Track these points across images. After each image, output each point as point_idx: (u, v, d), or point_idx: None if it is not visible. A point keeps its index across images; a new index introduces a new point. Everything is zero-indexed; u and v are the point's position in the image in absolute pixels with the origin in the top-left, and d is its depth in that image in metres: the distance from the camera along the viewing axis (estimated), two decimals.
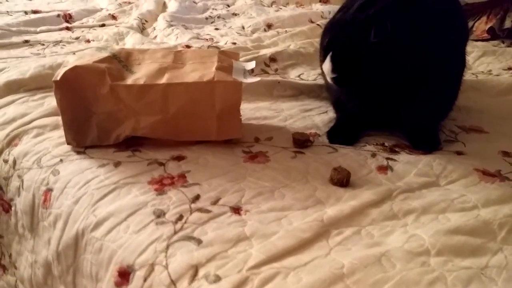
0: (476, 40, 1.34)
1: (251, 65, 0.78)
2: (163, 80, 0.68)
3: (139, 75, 0.68)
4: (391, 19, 0.64)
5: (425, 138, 0.75)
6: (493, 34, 1.33)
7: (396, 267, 0.47)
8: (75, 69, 0.66)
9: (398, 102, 0.72)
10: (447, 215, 0.56)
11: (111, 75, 0.67)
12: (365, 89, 0.69)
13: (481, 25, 1.38)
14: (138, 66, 0.71)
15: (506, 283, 0.46)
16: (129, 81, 0.67)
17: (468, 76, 1.07)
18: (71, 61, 0.70)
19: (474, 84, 1.00)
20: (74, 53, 1.07)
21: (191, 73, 0.69)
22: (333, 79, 0.67)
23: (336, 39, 0.67)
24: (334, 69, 0.66)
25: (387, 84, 0.68)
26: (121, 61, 0.71)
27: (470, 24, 1.39)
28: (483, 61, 1.18)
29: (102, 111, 0.68)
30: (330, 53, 0.66)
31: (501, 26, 1.33)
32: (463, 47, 0.80)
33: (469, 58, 1.20)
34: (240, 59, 1.05)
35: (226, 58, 0.76)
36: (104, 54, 0.72)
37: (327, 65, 0.66)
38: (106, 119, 0.68)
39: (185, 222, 0.54)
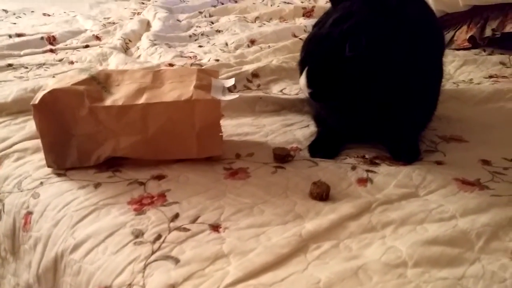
0: (458, 49, 1.36)
1: (230, 82, 0.79)
2: (142, 100, 0.68)
3: (117, 96, 0.69)
4: (366, 33, 0.65)
5: (405, 149, 0.76)
6: (474, 43, 1.35)
7: (373, 280, 0.47)
8: (53, 92, 0.67)
9: (377, 116, 0.72)
10: (425, 226, 0.57)
11: (90, 97, 0.68)
12: (342, 103, 0.69)
13: (461, 34, 1.40)
14: (117, 87, 0.72)
15: None
16: (108, 102, 0.68)
17: (449, 85, 1.08)
18: (50, 84, 0.70)
19: (454, 93, 1.01)
20: (54, 76, 1.07)
21: (170, 92, 0.70)
22: (309, 93, 0.67)
23: (311, 54, 0.68)
24: (309, 84, 0.66)
25: (365, 98, 0.69)
26: (100, 83, 0.72)
27: (451, 33, 1.42)
28: (464, 70, 1.20)
29: (82, 133, 0.68)
30: (306, 68, 0.67)
31: (482, 34, 1.35)
32: (440, 58, 0.82)
33: (450, 67, 1.22)
34: (223, 76, 1.06)
35: (205, 76, 0.77)
36: (83, 76, 0.72)
37: (302, 80, 0.67)
38: (86, 141, 0.68)
39: (163, 242, 0.54)
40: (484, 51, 1.32)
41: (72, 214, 0.60)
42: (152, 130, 0.68)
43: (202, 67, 1.00)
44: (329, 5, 0.78)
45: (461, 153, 0.76)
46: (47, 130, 0.68)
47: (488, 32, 1.33)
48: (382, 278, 0.48)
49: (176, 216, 0.59)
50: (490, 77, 1.14)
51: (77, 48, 1.37)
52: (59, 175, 0.69)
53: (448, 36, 1.41)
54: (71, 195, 0.64)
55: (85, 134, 0.68)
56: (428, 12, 0.83)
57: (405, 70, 0.68)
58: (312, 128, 0.87)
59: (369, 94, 0.68)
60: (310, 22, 1.67)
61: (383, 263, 0.50)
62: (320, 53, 0.67)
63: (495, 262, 0.50)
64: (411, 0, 0.73)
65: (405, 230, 0.56)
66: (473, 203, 0.61)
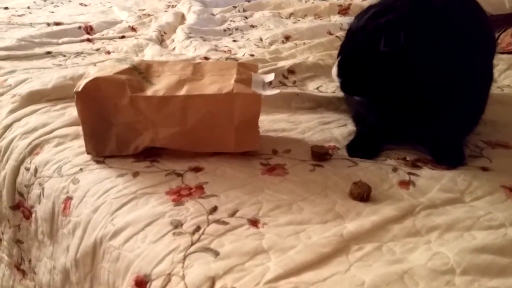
0: (502, 53, 1.31)
1: (270, 77, 0.78)
2: (182, 92, 0.68)
3: (158, 87, 0.69)
4: (405, 30, 0.63)
5: (449, 153, 0.73)
6: None
7: (420, 286, 0.46)
8: (96, 81, 0.67)
9: (420, 117, 0.70)
10: (472, 233, 0.54)
11: (131, 86, 0.68)
12: (373, 99, 0.68)
13: (506, 37, 1.35)
14: (157, 78, 0.72)
15: None
16: (149, 92, 0.68)
17: (493, 89, 1.04)
18: (92, 73, 0.71)
19: (500, 98, 0.98)
20: (95, 65, 1.08)
21: (210, 85, 0.69)
22: (339, 84, 0.67)
23: (345, 45, 0.67)
24: (339, 74, 0.66)
25: (402, 97, 0.67)
26: (141, 73, 0.72)
27: (496, 36, 1.37)
28: (509, 75, 1.16)
29: (122, 122, 0.68)
30: (338, 58, 0.65)
31: None
32: (491, 60, 0.79)
33: (495, 71, 1.17)
34: (259, 71, 1.05)
35: (245, 71, 0.76)
36: (125, 65, 0.72)
37: (334, 69, 0.66)
38: (126, 130, 0.69)
39: (202, 234, 0.53)
40: None
41: (111, 201, 0.60)
42: (191, 122, 0.68)
43: (245, 62, 0.99)
44: (365, 3, 0.76)
45: (508, 159, 0.73)
46: (88, 118, 0.69)
47: None
48: (429, 285, 0.46)
49: (215, 209, 0.58)
50: None
51: (114, 39, 1.39)
52: (98, 162, 0.69)
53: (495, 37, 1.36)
54: (110, 182, 0.64)
55: (125, 123, 0.68)
56: (479, 13, 0.79)
57: (445, 72, 0.65)
58: (350, 127, 0.85)
59: (406, 93, 0.66)
60: (345, 20, 1.64)
61: (429, 269, 0.48)
62: (353, 45, 0.66)
63: None
64: (460, 0, 0.70)
65: (452, 236, 0.54)
66: None
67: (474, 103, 0.74)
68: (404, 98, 0.67)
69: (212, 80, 0.71)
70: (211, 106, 0.67)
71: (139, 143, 0.69)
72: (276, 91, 0.74)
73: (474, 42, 0.70)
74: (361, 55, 0.65)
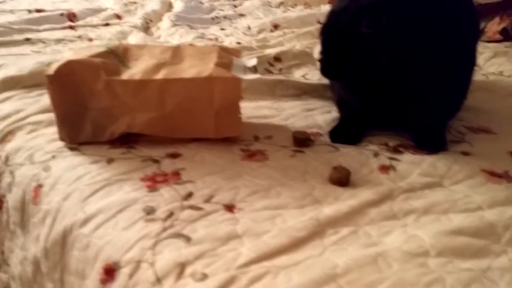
0: (488, 42, 1.31)
1: (252, 62, 0.76)
2: (160, 75, 0.66)
3: (135, 71, 0.67)
4: (389, 11, 0.62)
5: (430, 138, 0.72)
6: (506, 35, 1.30)
7: (393, 268, 0.45)
8: (69, 64, 0.65)
9: (402, 102, 0.69)
10: (449, 216, 0.54)
11: (107, 70, 0.66)
12: (357, 84, 0.67)
13: (493, 26, 1.34)
14: (135, 62, 0.70)
15: (509, 286, 0.43)
16: (125, 76, 0.66)
17: (478, 76, 1.03)
18: (67, 56, 0.69)
19: (484, 84, 0.97)
20: (71, 49, 1.06)
21: (189, 69, 0.68)
22: (321, 68, 0.65)
23: (327, 26, 0.65)
24: (321, 57, 0.64)
25: (383, 80, 0.65)
26: (118, 56, 0.70)
27: (482, 25, 1.36)
28: (495, 62, 1.15)
29: (97, 107, 0.67)
30: (321, 38, 0.64)
31: None
32: (474, 45, 0.78)
33: (480, 59, 1.17)
34: (251, 56, 1.04)
35: (226, 55, 0.74)
36: (101, 49, 0.71)
37: (316, 49, 0.65)
38: (101, 115, 0.67)
39: (175, 220, 0.52)
40: None
41: (83, 189, 0.59)
42: (169, 107, 0.66)
43: (226, 46, 0.97)
44: None
45: (489, 144, 0.73)
46: (61, 103, 0.67)
47: None
48: (402, 267, 0.45)
49: (190, 194, 0.57)
50: None
51: (97, 26, 1.37)
52: (71, 149, 0.68)
53: (480, 24, 1.35)
54: (83, 169, 0.62)
55: (100, 108, 0.67)
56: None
57: (427, 55, 0.64)
58: (334, 114, 0.84)
59: (386, 76, 0.65)
60: None
61: (404, 252, 0.47)
62: (335, 27, 0.65)
63: None
64: None
65: (428, 219, 0.53)
66: (501, 195, 0.57)
67: (456, 87, 0.73)
68: (385, 82, 0.66)
69: (191, 64, 0.70)
70: (189, 90, 0.66)
71: (115, 129, 0.67)
72: (256, 76, 0.72)
73: (458, 26, 0.69)
74: (343, 37, 0.63)
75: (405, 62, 0.64)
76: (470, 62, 0.76)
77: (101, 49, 0.70)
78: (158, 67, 0.68)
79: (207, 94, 0.65)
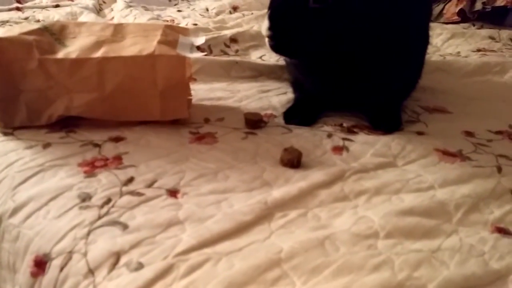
0: (446, 23, 1.31)
1: (200, 40, 0.72)
2: (99, 54, 0.62)
3: (72, 49, 0.62)
4: None
5: (385, 118, 0.71)
6: (463, 17, 1.31)
7: (340, 251, 0.43)
8: None
9: (354, 81, 0.67)
10: (401, 196, 0.52)
11: (40, 48, 0.61)
12: (308, 62, 0.64)
13: (451, 8, 1.35)
14: (72, 40, 0.65)
15: (459, 266, 0.42)
16: (60, 55, 0.61)
17: (435, 57, 1.04)
18: None
19: (440, 65, 0.97)
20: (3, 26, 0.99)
21: (131, 47, 0.63)
22: (270, 45, 0.63)
23: (275, 1, 0.62)
24: (270, 30, 0.62)
25: (334, 57, 0.63)
26: (53, 34, 0.65)
27: (440, 6, 1.37)
28: (452, 43, 1.16)
29: (31, 89, 0.62)
30: (268, 12, 0.62)
31: (472, 8, 1.30)
32: (426, 22, 0.76)
33: (438, 40, 1.17)
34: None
35: (172, 33, 0.70)
36: (35, 26, 0.65)
37: (264, 24, 0.62)
38: (36, 98, 0.62)
39: (112, 206, 0.48)
40: (474, 25, 1.28)
41: (14, 175, 0.54)
42: (109, 87, 0.62)
43: (172, 24, 0.92)
44: None
45: (444, 124, 0.72)
46: None
47: (478, 6, 1.29)
48: (350, 250, 0.43)
49: (131, 180, 0.53)
50: (478, 50, 1.10)
51: (47, 7, 1.29)
52: (5, 134, 0.62)
53: (437, 9, 1.36)
54: (15, 155, 0.58)
55: (34, 89, 0.61)
56: None
57: (378, 30, 0.62)
58: (290, 95, 0.82)
59: (336, 53, 0.62)
60: None
61: (352, 234, 0.45)
62: (282, 2, 0.62)
63: (474, 235, 0.46)
64: None
65: (379, 200, 0.51)
66: (453, 174, 0.57)
67: (409, 66, 0.72)
68: (337, 61, 0.64)
69: (133, 41, 0.65)
70: (130, 69, 0.62)
71: (52, 112, 0.63)
72: (202, 54, 0.69)
73: (409, 2, 0.67)
74: (291, 12, 0.61)
75: (354, 38, 0.62)
76: (422, 39, 0.75)
77: (35, 26, 0.65)
78: (97, 45, 0.63)
79: (149, 73, 0.61)
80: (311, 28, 0.60)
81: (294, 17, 0.60)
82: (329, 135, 0.67)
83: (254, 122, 0.69)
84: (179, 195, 0.51)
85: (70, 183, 0.52)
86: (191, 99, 0.74)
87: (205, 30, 1.11)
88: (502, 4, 1.22)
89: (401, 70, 0.69)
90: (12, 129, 0.63)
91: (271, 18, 0.62)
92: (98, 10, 1.31)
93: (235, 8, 1.40)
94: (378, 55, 0.64)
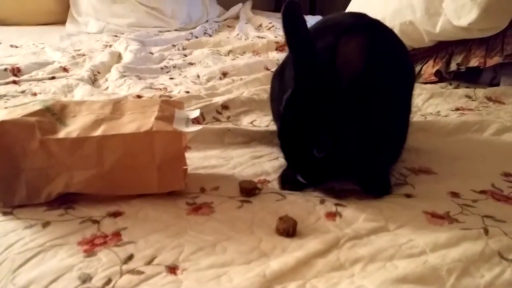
0: (425, 83, 1.39)
1: (195, 113, 0.76)
2: (98, 132, 0.64)
3: (72, 128, 0.65)
4: (328, 132, 0.64)
5: (375, 182, 0.74)
6: (440, 77, 1.38)
7: None
8: (1, 125, 0.62)
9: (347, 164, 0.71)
10: (394, 262, 0.54)
11: (42, 129, 0.64)
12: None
13: (428, 69, 1.43)
14: (73, 119, 0.68)
15: None
16: (61, 134, 0.64)
17: (417, 117, 1.09)
18: (0, 116, 0.66)
19: (423, 125, 1.02)
20: (6, 108, 1.02)
21: (129, 124, 0.66)
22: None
23: (285, 141, 0.67)
24: (303, 178, 0.68)
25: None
26: (55, 114, 0.68)
27: (418, 68, 1.45)
28: (432, 103, 1.21)
29: (32, 168, 0.63)
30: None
31: (447, 69, 1.38)
32: (411, 92, 0.82)
33: (418, 100, 1.23)
34: (191, 107, 1.04)
35: (168, 107, 0.74)
36: (36, 107, 0.68)
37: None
38: (36, 176, 0.64)
39: (113, 287, 0.49)
40: (450, 84, 1.35)
41: (14, 258, 0.54)
42: (108, 164, 0.64)
43: (168, 98, 0.96)
44: None
45: (430, 185, 0.75)
46: None
47: (453, 67, 1.37)
48: None
49: (130, 257, 0.54)
50: (457, 109, 1.15)
51: (42, 80, 1.33)
52: (4, 213, 0.63)
53: (415, 70, 1.43)
54: (15, 235, 0.58)
55: (35, 168, 0.63)
56: (401, 47, 0.83)
57: (377, 127, 0.67)
58: (282, 160, 0.84)
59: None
60: (282, 56, 1.68)
61: None
62: (293, 149, 0.67)
63: None
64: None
65: (374, 268, 0.53)
66: (443, 237, 0.58)
67: (399, 134, 0.76)
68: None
69: (131, 118, 0.69)
70: (129, 146, 0.64)
71: (52, 190, 0.64)
72: (199, 127, 0.72)
73: (399, 100, 0.74)
74: (303, 157, 0.66)
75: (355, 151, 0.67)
76: (409, 110, 0.80)
77: (37, 107, 0.68)
78: (97, 123, 0.66)
79: (147, 149, 0.64)
80: (325, 167, 0.67)
81: (311, 162, 0.66)
82: (322, 201, 0.69)
83: (249, 190, 0.71)
84: (178, 271, 0.52)
85: (71, 264, 0.53)
86: (186, 169, 0.76)
87: (198, 97, 1.16)
88: (475, 64, 1.30)
89: (393, 140, 0.73)
90: (11, 208, 0.64)
91: (288, 159, 0.68)
92: (93, 80, 1.35)
93: (224, 74, 1.47)
94: (374, 143, 0.67)
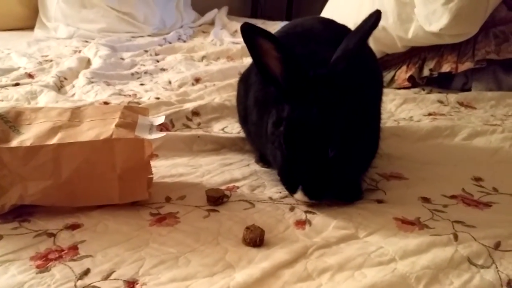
0: (398, 88, 1.39)
1: (160, 120, 0.73)
2: (54, 140, 0.61)
3: (26, 136, 0.61)
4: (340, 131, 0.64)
5: (347, 189, 0.72)
6: (413, 82, 1.39)
7: None
8: None
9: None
10: (363, 271, 0.52)
11: None
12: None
13: (401, 74, 1.44)
14: (27, 126, 0.65)
15: None
16: (14, 143, 0.60)
17: (390, 122, 1.08)
18: None
19: (395, 130, 1.01)
20: None
21: (88, 132, 0.63)
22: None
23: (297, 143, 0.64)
24: (310, 198, 0.66)
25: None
26: (8, 122, 0.64)
27: (392, 73, 1.45)
28: (405, 108, 1.22)
29: None
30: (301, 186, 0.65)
31: (420, 74, 1.39)
32: (381, 99, 0.81)
33: (391, 106, 1.23)
34: (160, 114, 1.01)
35: (131, 114, 0.71)
36: None
37: (300, 196, 0.65)
38: None
39: None
40: (423, 90, 1.36)
41: None
42: (65, 174, 0.61)
43: (132, 105, 0.92)
44: None
45: (401, 191, 0.74)
46: None
47: (426, 72, 1.38)
48: None
49: (86, 272, 0.51)
50: (429, 114, 1.16)
51: (6, 86, 1.28)
52: None
53: (389, 75, 1.44)
54: None
55: None
56: (369, 55, 0.82)
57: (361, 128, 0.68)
58: (253, 167, 0.83)
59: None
60: None
61: None
62: (308, 153, 0.64)
63: None
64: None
65: (343, 277, 0.51)
66: (413, 244, 0.57)
67: (371, 141, 0.75)
68: None
69: (91, 125, 0.65)
70: (88, 155, 0.61)
71: (5, 202, 0.60)
72: (162, 134, 0.69)
73: (369, 94, 0.74)
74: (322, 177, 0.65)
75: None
76: (380, 116, 0.80)
77: None
78: (53, 131, 0.63)
79: (107, 157, 0.61)
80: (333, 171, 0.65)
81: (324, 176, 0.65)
82: (292, 208, 0.67)
83: (216, 199, 0.68)
84: (137, 286, 0.49)
85: (21, 281, 0.49)
86: (152, 178, 0.73)
87: (167, 104, 1.13)
88: (448, 70, 1.31)
89: (365, 147, 0.72)
90: None
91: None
92: (59, 87, 1.30)
93: (197, 80, 1.44)
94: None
